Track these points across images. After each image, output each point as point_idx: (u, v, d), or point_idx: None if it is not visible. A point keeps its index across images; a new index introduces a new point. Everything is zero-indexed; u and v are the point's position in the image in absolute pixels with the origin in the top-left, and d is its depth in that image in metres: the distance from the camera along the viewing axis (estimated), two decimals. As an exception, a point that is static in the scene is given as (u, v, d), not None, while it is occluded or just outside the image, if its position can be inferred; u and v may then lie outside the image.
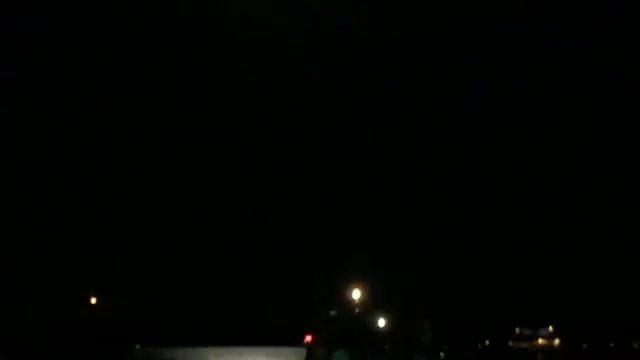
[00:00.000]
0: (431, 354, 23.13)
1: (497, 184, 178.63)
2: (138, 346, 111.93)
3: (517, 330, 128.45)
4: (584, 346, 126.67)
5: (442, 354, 23.84)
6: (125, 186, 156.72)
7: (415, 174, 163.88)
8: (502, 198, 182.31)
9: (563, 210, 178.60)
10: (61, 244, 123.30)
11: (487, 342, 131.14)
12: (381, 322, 24.16)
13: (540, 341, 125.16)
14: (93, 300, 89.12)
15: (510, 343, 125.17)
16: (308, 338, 25.57)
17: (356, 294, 26.46)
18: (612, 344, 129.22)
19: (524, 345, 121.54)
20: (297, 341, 37.85)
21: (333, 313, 25.83)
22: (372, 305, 25.92)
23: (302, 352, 30.62)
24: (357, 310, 25.78)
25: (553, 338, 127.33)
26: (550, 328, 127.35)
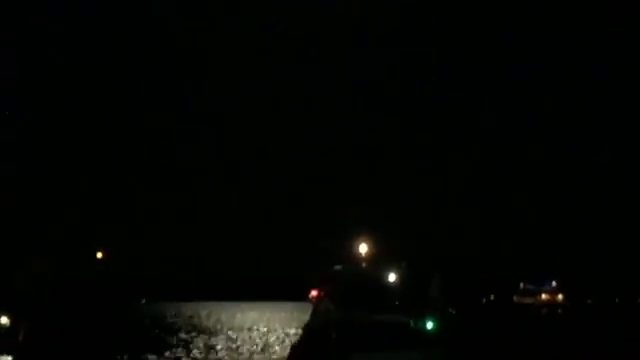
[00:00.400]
0: (442, 310, 22.58)
1: (505, 142, 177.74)
2: (144, 300, 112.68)
3: (521, 285, 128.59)
4: (589, 301, 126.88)
5: (452, 311, 23.19)
6: (133, 141, 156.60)
7: (429, 125, 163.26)
8: (506, 156, 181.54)
9: (570, 164, 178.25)
10: (70, 197, 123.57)
11: (492, 297, 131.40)
12: (391, 277, 23.54)
13: (544, 296, 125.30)
14: (99, 254, 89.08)
15: (515, 298, 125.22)
16: (314, 293, 25.00)
17: (362, 248, 25.83)
18: (617, 299, 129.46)
19: (529, 300, 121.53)
20: (298, 296, 37.51)
21: (338, 267, 25.24)
22: (379, 259, 25.33)
23: (304, 307, 30.13)
24: (363, 264, 25.18)
25: (556, 293, 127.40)
26: (554, 283, 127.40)
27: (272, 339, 40.22)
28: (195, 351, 31.84)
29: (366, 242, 26.03)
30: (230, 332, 45.95)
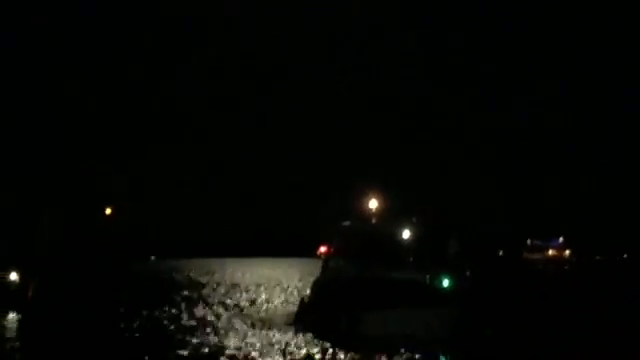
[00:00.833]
0: (458, 268, 22.10)
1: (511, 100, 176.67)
2: (153, 257, 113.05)
3: (528, 241, 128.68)
4: (597, 257, 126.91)
5: (468, 272, 22.63)
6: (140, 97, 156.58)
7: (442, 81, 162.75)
8: (517, 110, 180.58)
9: (577, 120, 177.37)
10: (80, 153, 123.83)
11: (500, 252, 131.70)
12: (405, 233, 23.08)
13: (550, 252, 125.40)
14: (108, 211, 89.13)
15: (524, 254, 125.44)
16: (323, 249, 24.66)
17: (373, 203, 25.40)
18: (625, 255, 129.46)
19: (537, 256, 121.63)
20: (307, 252, 37.30)
21: (347, 223, 24.85)
22: (389, 215, 24.91)
23: (313, 262, 29.89)
24: (373, 220, 24.75)
25: (564, 249, 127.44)
26: (561, 239, 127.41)
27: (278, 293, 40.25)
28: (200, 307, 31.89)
29: (376, 198, 25.61)
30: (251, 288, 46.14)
